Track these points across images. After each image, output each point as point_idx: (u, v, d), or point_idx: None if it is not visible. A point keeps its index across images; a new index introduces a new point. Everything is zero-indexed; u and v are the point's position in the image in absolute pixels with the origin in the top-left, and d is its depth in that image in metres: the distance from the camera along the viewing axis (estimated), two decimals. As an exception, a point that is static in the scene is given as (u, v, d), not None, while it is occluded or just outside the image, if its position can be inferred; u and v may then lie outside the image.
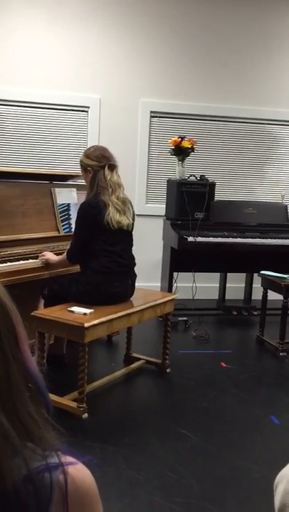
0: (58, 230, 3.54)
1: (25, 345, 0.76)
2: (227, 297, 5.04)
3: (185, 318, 4.47)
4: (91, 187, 3.02)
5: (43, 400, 0.76)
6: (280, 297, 3.82)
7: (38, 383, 0.76)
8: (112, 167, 3.02)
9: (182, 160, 4.63)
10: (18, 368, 0.71)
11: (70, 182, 3.93)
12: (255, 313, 4.68)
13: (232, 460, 2.41)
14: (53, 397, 2.69)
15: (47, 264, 3.17)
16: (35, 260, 3.17)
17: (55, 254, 3.23)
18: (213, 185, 4.63)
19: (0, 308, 0.73)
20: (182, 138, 4.56)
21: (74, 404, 2.74)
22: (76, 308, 2.80)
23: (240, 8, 5.15)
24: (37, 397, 0.75)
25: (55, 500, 0.67)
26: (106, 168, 2.99)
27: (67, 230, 3.58)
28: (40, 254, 3.19)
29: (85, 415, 2.72)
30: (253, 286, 5.01)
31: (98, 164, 2.99)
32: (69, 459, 0.71)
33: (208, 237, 4.39)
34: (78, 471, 0.71)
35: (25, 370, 0.74)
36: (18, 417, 0.69)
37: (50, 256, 3.19)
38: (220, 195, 5.10)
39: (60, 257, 3.16)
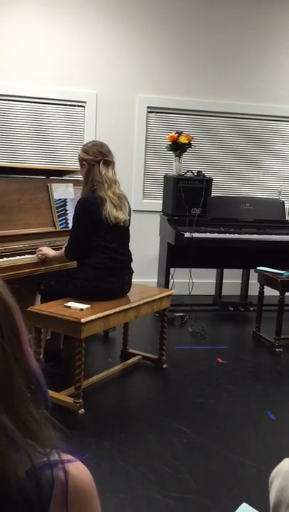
0: (55, 226, 3.54)
1: (26, 343, 0.75)
2: (223, 293, 5.05)
3: (181, 314, 4.47)
4: (86, 181, 3.03)
5: (43, 397, 0.76)
6: (277, 293, 3.83)
7: (38, 381, 0.76)
8: (108, 163, 3.01)
9: (179, 156, 4.63)
10: (20, 368, 0.71)
11: (66, 177, 3.92)
12: (252, 309, 4.69)
13: (228, 455, 2.42)
14: (49, 392, 2.67)
15: (44, 259, 3.16)
16: (31, 256, 3.16)
17: (52, 249, 3.22)
18: (210, 180, 4.63)
19: (2, 306, 0.71)
20: (179, 133, 4.55)
21: (70, 400, 2.74)
22: (73, 304, 2.80)
23: (237, 4, 5.13)
24: (37, 396, 0.74)
25: (54, 497, 0.67)
26: (101, 163, 2.98)
27: (64, 225, 3.57)
28: (37, 250, 3.19)
29: (82, 410, 2.72)
30: (250, 282, 5.02)
31: (93, 159, 2.99)
32: (68, 456, 0.71)
33: (205, 232, 4.40)
34: (77, 469, 0.71)
35: (27, 369, 0.73)
36: (20, 418, 0.69)
37: (48, 251, 3.18)
38: (217, 191, 5.09)
39: (57, 252, 3.16)
